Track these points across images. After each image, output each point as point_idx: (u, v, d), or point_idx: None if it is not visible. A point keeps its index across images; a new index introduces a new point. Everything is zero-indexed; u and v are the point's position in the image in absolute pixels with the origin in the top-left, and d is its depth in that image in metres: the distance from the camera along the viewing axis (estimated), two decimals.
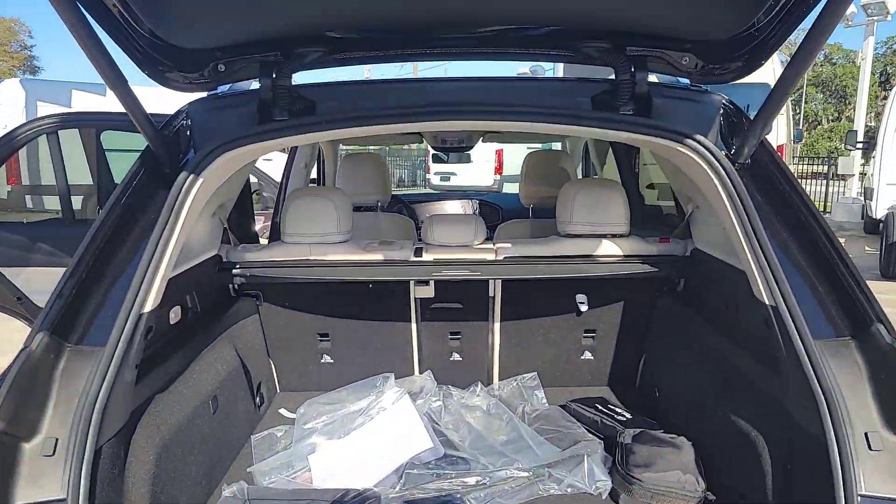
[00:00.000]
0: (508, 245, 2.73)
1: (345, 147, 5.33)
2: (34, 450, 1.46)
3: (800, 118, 49.41)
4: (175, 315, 2.17)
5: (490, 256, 2.69)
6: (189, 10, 1.62)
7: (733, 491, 1.96)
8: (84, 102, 16.15)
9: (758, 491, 1.76)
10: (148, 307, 1.71)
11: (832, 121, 41.22)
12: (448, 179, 17.20)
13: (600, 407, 2.65)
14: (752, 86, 11.69)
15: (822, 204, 16.80)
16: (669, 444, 2.13)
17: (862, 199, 12.67)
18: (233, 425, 2.38)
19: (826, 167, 16.98)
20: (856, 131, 13.34)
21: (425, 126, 2.17)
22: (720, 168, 1.81)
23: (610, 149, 4.14)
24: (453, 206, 5.56)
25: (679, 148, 1.87)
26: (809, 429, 1.53)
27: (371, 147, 7.88)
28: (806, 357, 1.56)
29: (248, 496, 1.99)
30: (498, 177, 16.68)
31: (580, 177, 4.66)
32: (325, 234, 2.62)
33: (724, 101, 1.99)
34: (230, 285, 2.67)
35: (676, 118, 1.92)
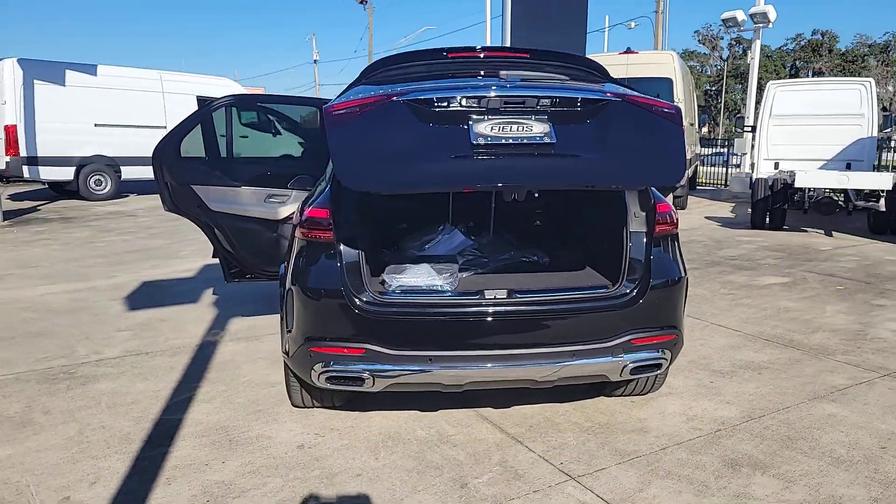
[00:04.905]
0: None
1: None
2: None
3: (721, 107, 54.05)
4: None
5: None
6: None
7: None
8: (76, 80, 17.05)
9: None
10: None
11: None
12: None
13: None
14: (659, 80, 14.73)
15: (724, 179, 20.10)
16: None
17: (751, 171, 15.66)
18: None
19: (725, 148, 20.44)
20: (744, 117, 16.54)
21: None
22: None
23: None
24: None
25: None
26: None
27: None
28: None
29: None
30: None
31: None
32: None
33: None
34: None
35: None
